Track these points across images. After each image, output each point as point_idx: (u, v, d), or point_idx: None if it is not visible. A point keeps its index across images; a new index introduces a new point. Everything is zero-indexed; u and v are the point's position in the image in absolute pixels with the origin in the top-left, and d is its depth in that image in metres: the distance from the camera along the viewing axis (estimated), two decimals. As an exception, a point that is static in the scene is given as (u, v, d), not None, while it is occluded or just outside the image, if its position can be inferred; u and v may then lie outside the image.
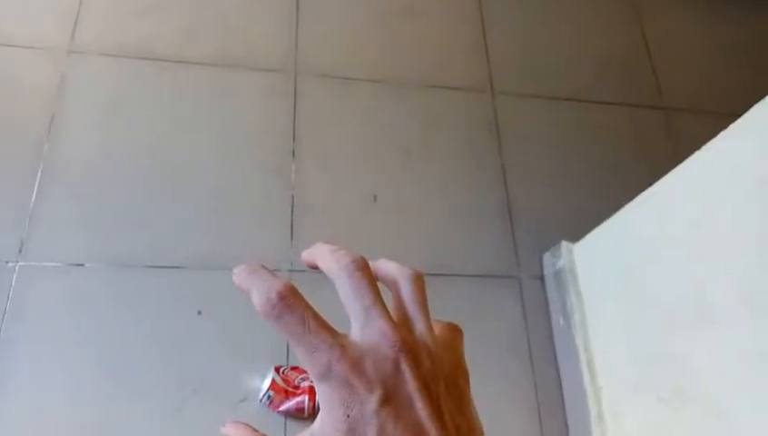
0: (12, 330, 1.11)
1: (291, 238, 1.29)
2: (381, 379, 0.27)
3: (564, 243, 1.30)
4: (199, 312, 1.19)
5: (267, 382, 1.11)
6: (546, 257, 1.35)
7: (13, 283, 1.14)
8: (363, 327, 0.28)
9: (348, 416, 0.26)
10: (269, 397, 1.10)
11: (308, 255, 0.32)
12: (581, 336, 1.21)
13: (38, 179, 1.24)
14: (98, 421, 1.07)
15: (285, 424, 1.12)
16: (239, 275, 0.29)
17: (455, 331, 0.31)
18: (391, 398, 0.26)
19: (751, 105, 0.89)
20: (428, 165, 1.46)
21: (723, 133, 0.92)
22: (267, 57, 1.51)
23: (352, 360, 0.27)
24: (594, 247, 1.24)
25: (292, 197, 1.33)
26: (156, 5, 1.51)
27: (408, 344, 0.28)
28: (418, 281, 0.31)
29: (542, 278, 1.36)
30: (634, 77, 1.73)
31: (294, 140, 1.41)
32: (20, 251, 1.17)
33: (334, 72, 1.53)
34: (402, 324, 0.29)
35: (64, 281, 1.17)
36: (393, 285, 0.31)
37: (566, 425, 1.22)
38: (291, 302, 0.27)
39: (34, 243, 1.18)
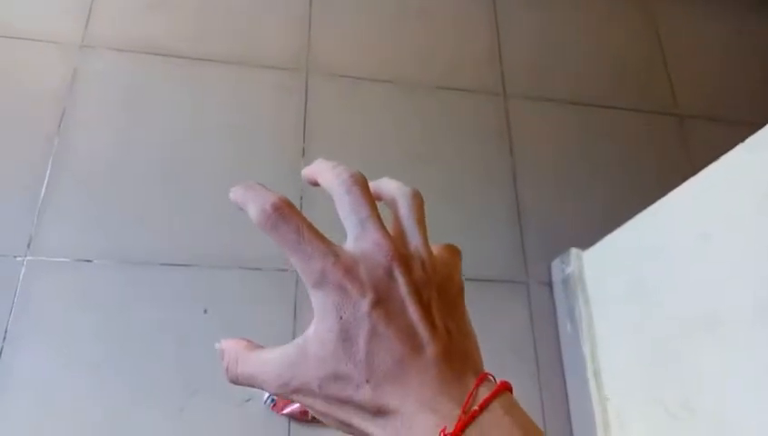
0: (19, 324, 1.11)
1: (299, 238, 1.29)
2: (374, 283, 0.27)
3: (573, 250, 1.29)
4: (205, 311, 1.19)
5: None
6: (555, 263, 1.34)
7: (20, 278, 1.15)
8: (357, 238, 0.29)
9: (341, 318, 0.27)
10: (272, 399, 1.10)
11: (308, 171, 0.33)
12: (588, 344, 1.20)
13: (48, 174, 1.25)
14: (102, 418, 1.07)
15: (289, 426, 1.12)
16: (236, 192, 0.29)
17: (453, 251, 0.32)
18: (383, 301, 0.27)
19: (766, 114, 0.87)
20: (437, 167, 1.45)
21: (738, 147, 0.91)
22: (279, 55, 1.50)
23: (346, 266, 0.27)
24: (604, 255, 1.23)
25: (301, 197, 1.33)
26: (169, 1, 1.50)
27: (402, 254, 0.28)
28: (417, 199, 0.32)
29: (550, 284, 1.35)
30: (648, 83, 1.71)
31: (304, 139, 1.40)
32: (28, 245, 1.17)
33: (346, 71, 1.52)
34: (397, 238, 0.30)
35: (72, 276, 1.17)
36: (392, 203, 0.32)
37: (572, 434, 1.21)
38: (286, 213, 0.28)
39: (43, 238, 1.19)
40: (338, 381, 0.27)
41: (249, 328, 1.18)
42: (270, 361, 0.29)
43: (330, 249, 0.28)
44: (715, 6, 1.89)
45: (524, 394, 1.22)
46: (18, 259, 1.16)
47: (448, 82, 1.57)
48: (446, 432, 0.25)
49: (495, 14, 1.70)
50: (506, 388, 0.28)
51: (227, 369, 0.30)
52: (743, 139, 0.91)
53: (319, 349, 0.27)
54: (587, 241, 1.27)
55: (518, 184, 1.46)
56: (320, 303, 0.28)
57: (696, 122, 1.66)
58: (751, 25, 1.87)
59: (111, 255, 1.20)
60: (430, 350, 0.27)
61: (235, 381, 0.30)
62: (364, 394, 0.27)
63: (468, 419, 0.26)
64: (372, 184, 0.33)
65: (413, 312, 0.27)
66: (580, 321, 1.22)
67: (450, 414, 0.26)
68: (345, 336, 0.27)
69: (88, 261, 1.19)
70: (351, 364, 0.27)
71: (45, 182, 1.24)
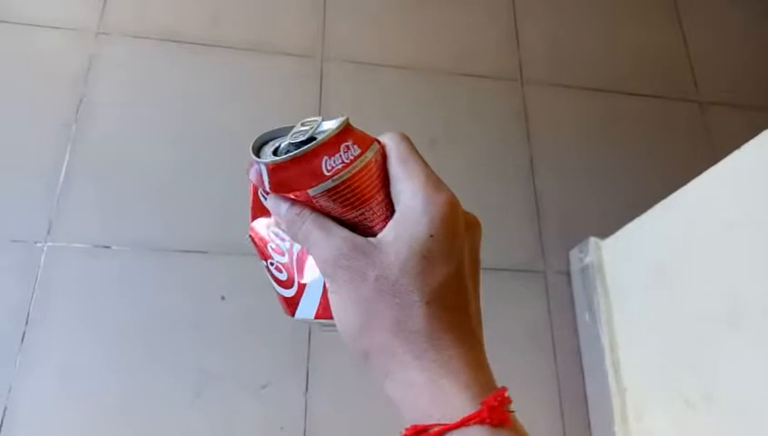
0: (39, 309, 1.12)
1: (315, 226, 1.28)
2: (457, 256, 0.31)
3: (592, 239, 1.27)
4: (222, 298, 1.19)
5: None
6: (573, 253, 1.33)
7: (41, 263, 1.16)
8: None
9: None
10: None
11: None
12: (607, 335, 1.18)
13: (66, 161, 1.25)
14: (120, 402, 1.08)
15: (305, 411, 1.12)
16: None
17: (477, 225, 0.36)
18: (461, 270, 0.30)
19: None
20: (454, 154, 1.44)
21: (762, 134, 0.88)
22: (294, 42, 1.49)
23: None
24: (623, 244, 1.21)
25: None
26: (185, -13, 1.50)
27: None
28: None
29: (568, 274, 1.33)
30: (669, 69, 1.68)
31: (320, 127, 1.39)
32: (48, 231, 1.18)
33: (361, 57, 1.51)
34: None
35: (91, 262, 1.18)
36: None
37: (589, 424, 1.20)
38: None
39: (62, 225, 1.20)
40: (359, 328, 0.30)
41: (266, 316, 1.18)
42: (334, 241, 0.31)
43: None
44: (739, -9, 1.85)
45: (541, 384, 1.22)
46: (39, 245, 1.17)
47: (465, 68, 1.55)
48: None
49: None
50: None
51: (295, 218, 0.32)
52: (766, 126, 0.89)
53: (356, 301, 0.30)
54: (606, 230, 1.25)
55: (536, 172, 1.44)
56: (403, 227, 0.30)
57: (718, 108, 1.62)
58: (776, 10, 1.83)
59: (129, 242, 1.21)
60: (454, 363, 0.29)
61: (295, 233, 0.32)
62: (356, 351, 0.30)
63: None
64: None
65: (471, 286, 0.31)
66: (599, 311, 1.21)
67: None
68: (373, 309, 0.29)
69: (106, 247, 1.20)
70: (367, 339, 0.29)
71: (64, 168, 1.25)
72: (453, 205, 0.31)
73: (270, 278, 0.38)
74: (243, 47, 1.46)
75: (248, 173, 0.35)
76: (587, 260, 1.27)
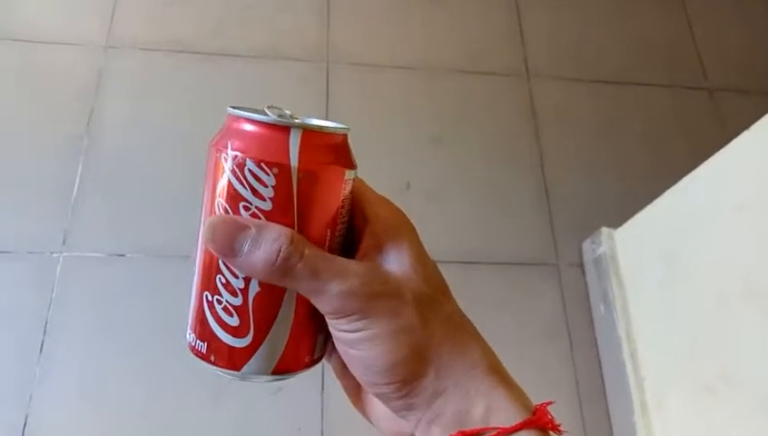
0: (57, 318, 1.14)
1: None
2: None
3: (604, 229, 1.27)
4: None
5: None
6: (586, 244, 1.32)
7: (57, 273, 1.18)
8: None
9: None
10: None
11: None
12: (623, 325, 1.17)
13: (79, 172, 1.27)
14: (138, 406, 1.09)
15: (322, 414, 1.12)
16: None
17: None
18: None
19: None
20: (462, 151, 1.43)
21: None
22: (299, 46, 1.51)
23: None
24: (636, 233, 1.20)
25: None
26: (189, -2, 1.52)
27: None
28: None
29: (582, 265, 1.33)
30: (676, 57, 1.67)
31: (327, 129, 1.40)
32: (63, 242, 1.20)
33: (366, 59, 1.52)
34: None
35: (106, 270, 1.20)
36: None
37: (608, 415, 1.19)
38: None
39: (77, 235, 1.21)
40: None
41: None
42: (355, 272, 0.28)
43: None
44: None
45: (559, 377, 1.21)
46: (54, 255, 1.19)
47: (470, 65, 1.55)
48: None
49: (515, -4, 1.68)
50: None
51: (289, 251, 0.26)
52: (775, 109, 0.88)
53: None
54: (618, 219, 1.24)
55: (545, 165, 1.44)
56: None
57: (727, 95, 1.61)
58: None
59: (142, 249, 1.22)
60: None
61: (287, 272, 0.26)
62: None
63: None
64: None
65: None
66: (614, 301, 1.20)
67: None
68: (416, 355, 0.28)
69: (121, 255, 1.21)
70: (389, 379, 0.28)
71: (77, 180, 1.27)
72: None
73: (210, 317, 0.30)
74: (249, 54, 1.47)
75: (217, 159, 0.27)
76: (600, 250, 1.26)
